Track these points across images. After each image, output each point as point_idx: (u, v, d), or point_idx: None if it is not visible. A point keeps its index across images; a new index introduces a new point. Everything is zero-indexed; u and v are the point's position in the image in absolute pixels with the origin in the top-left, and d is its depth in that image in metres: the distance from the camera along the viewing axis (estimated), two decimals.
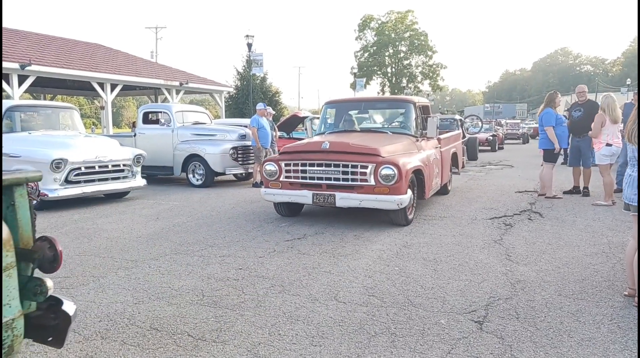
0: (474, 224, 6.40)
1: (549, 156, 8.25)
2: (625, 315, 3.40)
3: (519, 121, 35.12)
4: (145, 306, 3.66)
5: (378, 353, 2.92)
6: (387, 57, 54.52)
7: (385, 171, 5.81)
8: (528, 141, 29.74)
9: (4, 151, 7.89)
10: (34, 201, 7.58)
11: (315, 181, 6.23)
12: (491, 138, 20.68)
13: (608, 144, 7.48)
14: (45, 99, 21.33)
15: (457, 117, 16.34)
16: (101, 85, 17.07)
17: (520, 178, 11.26)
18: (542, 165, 8.46)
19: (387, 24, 53.64)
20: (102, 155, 8.29)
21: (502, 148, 22.53)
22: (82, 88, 21.12)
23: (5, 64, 13.26)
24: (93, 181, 8.15)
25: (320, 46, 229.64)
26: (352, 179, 6.03)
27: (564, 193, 8.62)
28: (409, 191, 6.10)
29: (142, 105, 15.83)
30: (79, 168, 7.90)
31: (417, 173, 6.43)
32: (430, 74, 54.43)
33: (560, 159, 10.04)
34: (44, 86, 19.54)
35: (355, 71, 49.75)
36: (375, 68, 54.65)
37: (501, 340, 3.06)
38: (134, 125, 16.11)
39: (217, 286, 4.08)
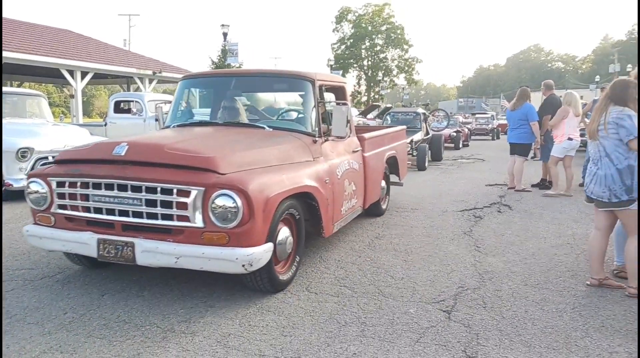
0: (445, 216, 6.49)
1: (523, 149, 8.46)
2: (587, 304, 3.51)
3: (489, 114, 31.96)
4: (112, 298, 3.60)
5: (348, 342, 2.95)
6: (363, 50, 54.54)
7: (220, 202, 3.19)
8: (498, 136, 27.60)
9: None
10: None
11: (105, 217, 3.50)
12: (455, 134, 18.87)
13: (569, 139, 7.80)
14: (12, 86, 20.68)
15: (420, 110, 14.28)
16: (71, 73, 16.64)
17: (490, 172, 11.46)
18: (514, 159, 8.60)
19: (364, 16, 53.62)
20: (71, 145, 8.07)
21: (467, 145, 20.75)
22: (51, 76, 20.54)
23: None
24: None
25: (297, 37, 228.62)
26: (165, 216, 3.34)
27: (533, 186, 8.81)
28: (283, 233, 3.67)
29: (113, 94, 15.51)
30: (46, 158, 7.68)
31: (306, 197, 3.99)
32: (406, 68, 54.67)
33: (531, 153, 10.25)
34: (11, 72, 18.98)
35: (332, 63, 49.65)
36: (351, 61, 54.62)
37: (468, 329, 3.13)
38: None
39: (187, 278, 4.04)
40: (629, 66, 40.89)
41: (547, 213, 6.67)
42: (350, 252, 4.81)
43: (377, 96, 52.12)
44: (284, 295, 3.69)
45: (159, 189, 3.33)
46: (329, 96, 5.26)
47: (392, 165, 6.82)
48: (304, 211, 4.07)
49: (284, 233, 3.72)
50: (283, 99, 5.72)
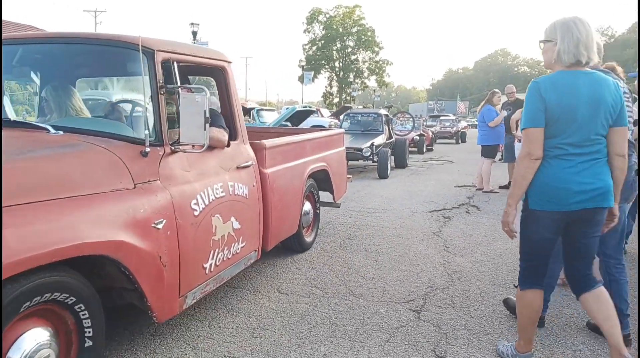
0: (415, 217, 6.57)
1: (489, 151, 8.66)
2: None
3: (453, 117, 29.70)
4: None
5: (318, 342, 2.95)
6: (334, 52, 54.78)
7: None
8: (465, 140, 26.00)
9: None
10: None
11: None
12: (418, 137, 17.68)
13: (519, 140, 8.10)
14: None
15: (383, 112, 12.80)
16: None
17: (459, 173, 11.66)
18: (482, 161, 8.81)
19: (335, 18, 53.86)
20: None
21: (431, 149, 19.49)
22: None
23: None
24: None
25: (268, 37, 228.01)
26: None
27: (500, 187, 9.01)
28: (31, 342, 1.90)
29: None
30: None
31: (112, 264, 2.20)
32: (377, 70, 55.20)
33: (499, 155, 10.49)
34: None
35: (304, 64, 49.72)
36: (323, 62, 54.80)
37: (437, 328, 3.17)
38: None
39: None
40: None
41: None
42: (321, 253, 4.81)
43: (348, 98, 52.45)
44: (255, 296, 3.67)
45: None
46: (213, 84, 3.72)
47: (323, 181, 5.11)
48: (122, 279, 2.33)
49: (35, 339, 1.93)
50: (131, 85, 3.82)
